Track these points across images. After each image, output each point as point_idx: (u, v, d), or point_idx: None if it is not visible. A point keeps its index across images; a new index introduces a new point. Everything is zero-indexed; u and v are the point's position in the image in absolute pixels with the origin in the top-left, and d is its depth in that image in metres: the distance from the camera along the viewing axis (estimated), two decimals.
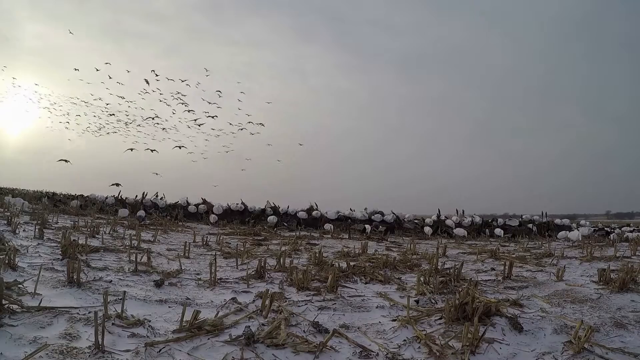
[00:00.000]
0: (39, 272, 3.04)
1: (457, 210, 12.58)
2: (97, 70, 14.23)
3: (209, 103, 14.53)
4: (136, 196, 13.00)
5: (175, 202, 12.83)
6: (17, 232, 5.20)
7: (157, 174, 12.72)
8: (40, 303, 2.58)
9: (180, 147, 13.66)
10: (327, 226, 10.81)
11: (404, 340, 2.50)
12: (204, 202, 12.84)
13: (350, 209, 12.12)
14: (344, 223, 11.33)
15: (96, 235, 5.92)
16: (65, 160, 10.29)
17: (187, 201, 12.83)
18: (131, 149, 12.15)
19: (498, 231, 11.17)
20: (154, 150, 12.37)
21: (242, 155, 15.58)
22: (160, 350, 2.17)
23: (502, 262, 4.97)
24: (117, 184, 11.43)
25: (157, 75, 14.13)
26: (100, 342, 2.11)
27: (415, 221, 12.00)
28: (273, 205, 12.41)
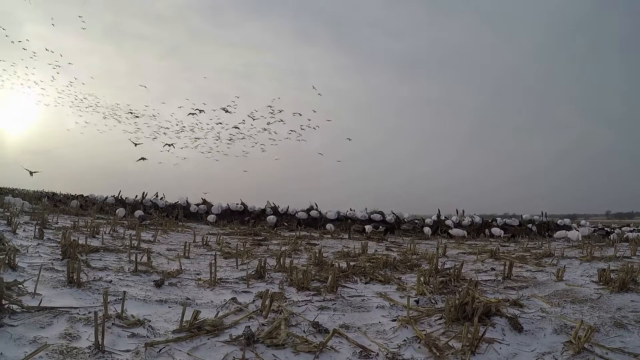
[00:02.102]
0: (39, 272, 3.04)
1: (457, 210, 12.58)
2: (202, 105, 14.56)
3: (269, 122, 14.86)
4: (136, 196, 13.01)
5: (175, 202, 12.84)
6: (17, 232, 5.20)
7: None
8: (40, 303, 2.58)
9: (169, 145, 13.76)
10: (328, 226, 10.81)
11: (404, 340, 2.50)
12: (204, 202, 12.85)
13: (350, 209, 12.12)
14: (344, 223, 11.33)
15: (96, 235, 5.93)
16: (31, 172, 10.30)
17: (187, 201, 12.84)
18: (136, 144, 12.27)
19: (498, 231, 11.17)
20: (143, 158, 12.46)
21: (248, 157, 15.63)
22: (160, 350, 2.17)
23: (502, 262, 4.97)
24: (143, 158, 11.51)
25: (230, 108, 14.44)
26: (100, 342, 2.11)
27: (415, 221, 12.00)
28: (273, 205, 12.41)
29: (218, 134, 15.48)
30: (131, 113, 15.52)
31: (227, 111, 14.57)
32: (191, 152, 15.91)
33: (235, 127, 14.98)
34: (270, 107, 14.75)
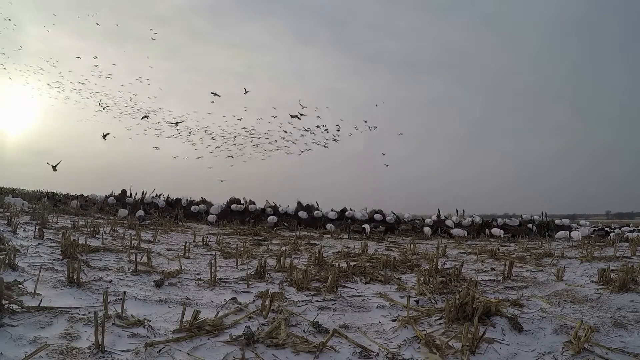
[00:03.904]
0: (39, 272, 3.04)
1: (457, 210, 12.59)
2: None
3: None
4: (135, 194, 12.98)
5: (177, 198, 12.84)
6: (17, 232, 5.20)
7: (221, 180, 13.08)
8: (40, 303, 2.58)
9: (145, 117, 13.85)
10: (328, 226, 10.82)
11: (404, 340, 2.50)
12: (204, 201, 12.85)
13: (350, 209, 12.12)
14: (344, 223, 11.33)
15: (96, 235, 5.92)
16: (54, 167, 10.30)
17: (187, 201, 12.83)
18: (105, 135, 12.38)
19: (498, 231, 11.17)
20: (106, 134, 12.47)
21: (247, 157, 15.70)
22: (160, 350, 2.17)
23: (502, 262, 4.97)
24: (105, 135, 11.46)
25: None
26: (100, 342, 2.11)
27: (416, 221, 12.00)
28: (273, 204, 12.41)
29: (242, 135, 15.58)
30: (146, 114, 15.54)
31: (298, 117, 14.74)
32: (190, 152, 15.93)
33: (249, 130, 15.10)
34: (318, 117, 15.02)
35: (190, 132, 15.66)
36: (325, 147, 15.17)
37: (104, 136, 12.01)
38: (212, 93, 14.39)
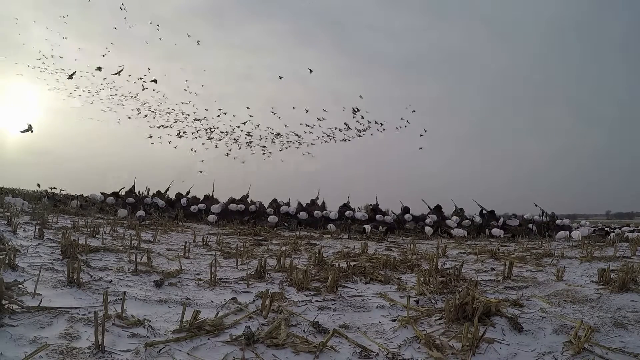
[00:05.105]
0: (39, 272, 3.04)
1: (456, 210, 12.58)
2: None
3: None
4: (139, 191, 12.98)
5: (178, 194, 12.85)
6: (17, 232, 5.20)
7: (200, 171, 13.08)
8: (40, 303, 2.58)
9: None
10: (328, 226, 10.82)
11: (404, 340, 2.50)
12: (204, 200, 12.85)
13: (351, 208, 12.13)
14: (344, 223, 11.33)
15: (96, 235, 5.93)
16: (30, 130, 9.98)
17: (187, 201, 12.83)
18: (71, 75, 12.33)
19: (498, 231, 11.17)
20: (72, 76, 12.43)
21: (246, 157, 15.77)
22: (160, 350, 2.17)
23: (502, 262, 4.96)
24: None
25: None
26: (100, 342, 2.11)
27: (421, 215, 12.04)
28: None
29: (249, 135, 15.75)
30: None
31: (355, 112, 15.09)
32: (192, 150, 15.94)
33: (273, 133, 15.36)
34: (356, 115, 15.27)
35: (195, 130, 15.73)
36: (361, 133, 15.30)
37: (28, 130, 10.44)
38: (309, 69, 15.06)
